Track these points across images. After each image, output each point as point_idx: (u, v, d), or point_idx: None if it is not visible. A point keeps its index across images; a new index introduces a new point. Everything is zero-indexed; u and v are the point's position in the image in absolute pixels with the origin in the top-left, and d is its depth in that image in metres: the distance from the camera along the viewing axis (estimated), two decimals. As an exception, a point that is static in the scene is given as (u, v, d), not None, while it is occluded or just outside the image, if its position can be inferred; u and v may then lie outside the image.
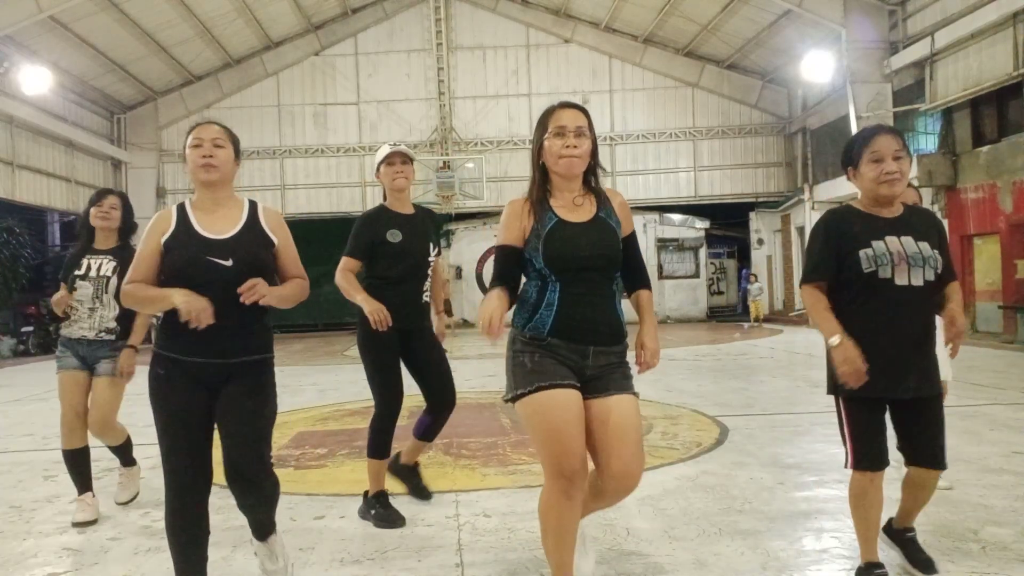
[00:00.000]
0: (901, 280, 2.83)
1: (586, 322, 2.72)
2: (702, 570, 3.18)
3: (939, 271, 2.88)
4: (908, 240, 2.86)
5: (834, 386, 2.93)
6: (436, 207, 19.54)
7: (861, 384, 2.78)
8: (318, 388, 9.79)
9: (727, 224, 25.43)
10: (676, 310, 24.10)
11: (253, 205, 2.95)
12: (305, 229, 18.86)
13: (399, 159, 4.17)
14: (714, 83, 22.72)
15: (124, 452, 4.53)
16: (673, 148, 22.96)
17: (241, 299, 2.70)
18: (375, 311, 3.84)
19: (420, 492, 4.36)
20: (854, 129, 16.66)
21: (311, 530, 3.89)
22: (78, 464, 4.22)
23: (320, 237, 19.24)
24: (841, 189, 18.48)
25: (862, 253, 2.83)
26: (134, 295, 2.79)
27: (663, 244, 24.29)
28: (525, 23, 22.83)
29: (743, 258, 25.11)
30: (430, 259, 4.16)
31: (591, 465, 2.80)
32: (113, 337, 4.26)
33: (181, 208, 2.89)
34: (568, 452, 2.63)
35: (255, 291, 2.70)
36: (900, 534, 3.19)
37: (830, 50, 17.77)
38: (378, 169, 4.21)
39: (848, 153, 2.99)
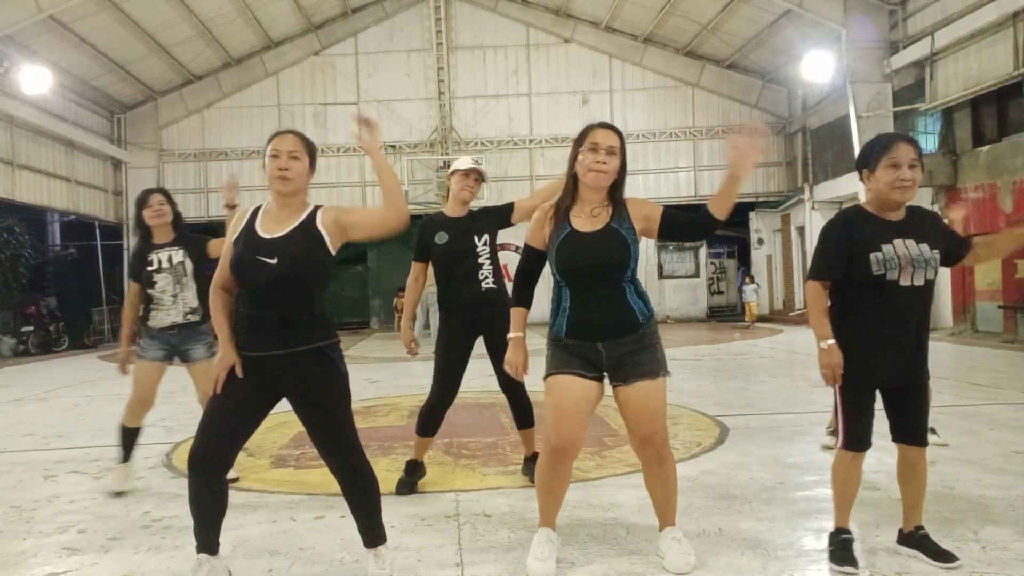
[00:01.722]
0: (905, 282, 3.04)
1: (593, 323, 3.12)
2: (702, 570, 3.18)
3: (938, 269, 3.09)
4: (912, 243, 3.05)
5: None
6: (436, 207, 19.53)
7: (859, 375, 3.08)
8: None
9: (727, 224, 25.19)
10: (676, 310, 24.10)
11: (314, 209, 3.08)
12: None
13: (474, 175, 4.58)
14: (714, 83, 22.72)
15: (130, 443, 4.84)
16: (673, 148, 22.96)
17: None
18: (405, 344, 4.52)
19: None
20: (854, 129, 16.69)
21: (311, 530, 3.89)
22: (129, 440, 4.77)
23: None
24: (841, 189, 18.48)
25: (872, 256, 3.03)
26: (212, 304, 3.10)
27: (663, 244, 24.27)
28: (525, 23, 22.83)
29: (743, 258, 25.10)
30: (478, 250, 4.43)
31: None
32: (198, 318, 4.68)
33: (256, 209, 3.12)
34: (559, 429, 3.13)
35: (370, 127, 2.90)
36: (913, 535, 3.26)
37: (830, 50, 17.77)
38: (452, 174, 4.59)
39: (866, 155, 3.15)
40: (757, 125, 2.97)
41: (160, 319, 4.66)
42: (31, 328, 19.03)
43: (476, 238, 4.43)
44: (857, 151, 16.65)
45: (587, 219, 3.16)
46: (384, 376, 10.28)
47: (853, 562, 3.12)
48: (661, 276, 24.02)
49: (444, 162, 21.56)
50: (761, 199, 23.32)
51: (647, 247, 23.65)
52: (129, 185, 22.17)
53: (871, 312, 3.06)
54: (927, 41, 15.39)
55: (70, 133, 19.37)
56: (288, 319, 2.95)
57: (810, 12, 17.09)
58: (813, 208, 20.30)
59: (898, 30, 16.73)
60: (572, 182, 3.21)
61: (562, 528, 3.60)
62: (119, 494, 4.64)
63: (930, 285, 3.08)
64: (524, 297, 3.35)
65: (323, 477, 5.01)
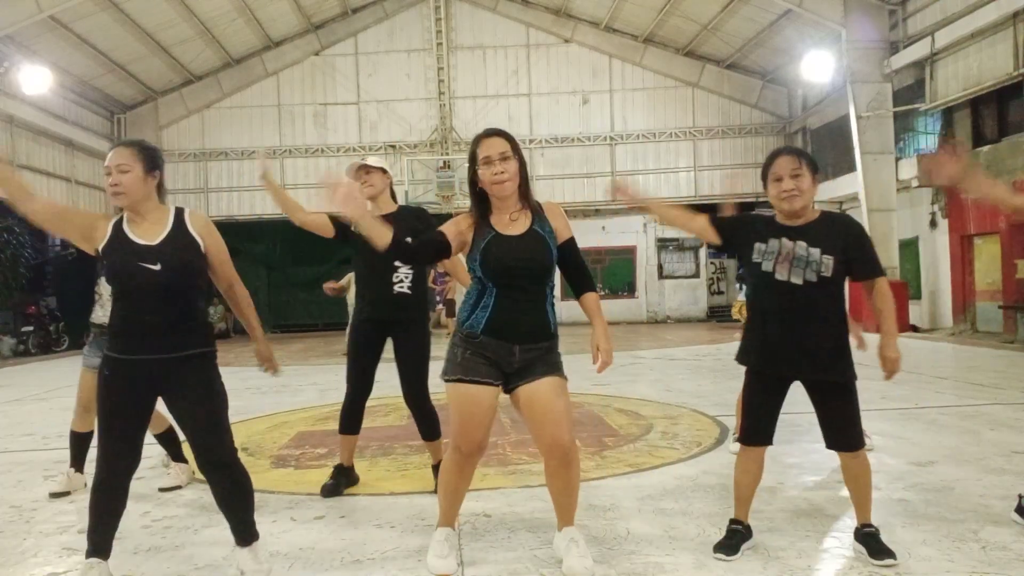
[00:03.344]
0: (781, 276, 3.22)
1: (514, 324, 3.14)
2: (702, 570, 3.18)
3: (824, 273, 3.17)
4: (801, 244, 3.21)
5: (740, 355, 3.42)
6: (436, 207, 19.53)
7: (752, 361, 3.33)
8: (318, 388, 9.77)
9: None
10: (676, 310, 24.10)
11: (179, 211, 3.17)
12: (305, 229, 18.86)
13: (362, 171, 4.48)
14: (714, 83, 22.71)
15: (170, 443, 4.89)
16: (673, 148, 22.96)
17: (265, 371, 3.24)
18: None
19: None
20: (855, 129, 16.69)
21: (311, 530, 3.89)
22: (82, 445, 4.81)
23: (320, 237, 19.23)
24: (841, 189, 18.47)
25: (756, 245, 3.29)
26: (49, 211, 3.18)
27: (663, 244, 24.28)
28: (525, 23, 22.82)
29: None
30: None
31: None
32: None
33: (119, 219, 3.14)
34: (468, 436, 3.18)
35: (271, 367, 3.24)
36: (859, 531, 3.31)
37: (830, 50, 17.76)
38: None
39: (762, 172, 3.38)
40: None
41: (98, 315, 4.68)
42: (31, 328, 19.03)
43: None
44: (858, 151, 16.69)
45: (508, 224, 3.20)
46: (384, 376, 10.25)
47: (731, 551, 3.27)
48: (661, 276, 24.02)
49: (444, 162, 21.57)
50: (761, 199, 23.27)
51: (647, 247, 23.70)
52: (129, 185, 22.14)
53: (760, 301, 3.32)
54: (927, 41, 15.39)
55: (70, 133, 19.37)
56: (171, 324, 3.01)
57: (810, 12, 17.08)
58: (813, 208, 20.28)
59: (898, 30, 16.72)
60: (478, 197, 3.24)
61: (552, 531, 3.59)
62: (60, 495, 4.66)
63: (810, 287, 3.17)
64: (416, 244, 3.44)
65: (323, 477, 5.01)
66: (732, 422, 6.34)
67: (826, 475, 4.59)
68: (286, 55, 22.70)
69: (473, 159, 3.21)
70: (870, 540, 3.24)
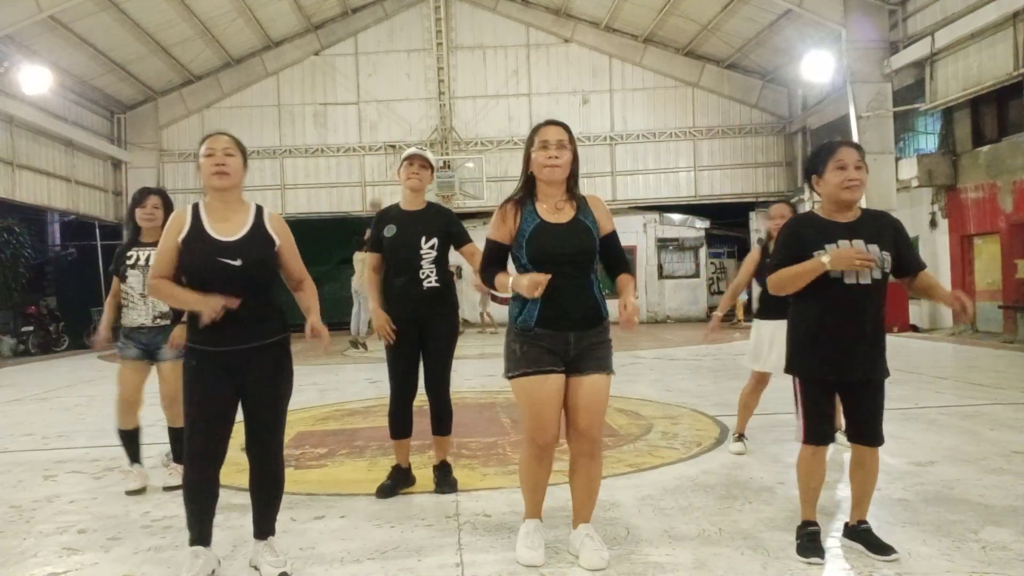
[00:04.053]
0: (850, 279, 3.16)
1: (565, 312, 3.22)
2: (702, 570, 3.18)
3: (887, 270, 3.20)
4: (859, 243, 3.17)
5: (792, 366, 3.35)
6: (436, 207, 19.50)
7: (812, 370, 3.27)
8: (318, 388, 9.78)
9: (727, 224, 25.39)
10: (676, 310, 24.08)
11: (259, 209, 3.29)
12: (305, 229, 18.83)
13: (418, 162, 4.51)
14: (714, 83, 22.70)
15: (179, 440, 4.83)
16: (673, 148, 22.94)
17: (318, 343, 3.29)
18: (379, 327, 4.40)
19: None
20: (854, 129, 16.68)
21: (311, 530, 3.89)
22: (130, 441, 4.81)
23: (320, 237, 19.21)
24: (841, 189, 18.46)
25: (817, 255, 3.17)
26: (159, 291, 3.21)
27: (663, 244, 24.26)
28: (525, 23, 22.81)
29: (743, 258, 25.07)
30: (422, 251, 4.38)
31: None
32: (168, 322, 4.63)
33: (195, 209, 3.25)
34: (542, 427, 3.25)
35: (321, 339, 3.24)
36: (855, 528, 3.36)
37: (830, 50, 17.75)
38: (400, 168, 4.57)
39: (813, 162, 3.34)
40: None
41: (131, 318, 4.69)
42: (31, 328, 19.02)
43: (423, 239, 4.38)
44: (857, 151, 16.67)
45: (553, 212, 3.30)
46: (384, 376, 10.23)
47: (818, 552, 3.22)
48: (661, 276, 24.00)
49: (444, 162, 21.56)
50: (761, 199, 23.27)
51: (647, 247, 23.70)
52: (129, 185, 22.11)
53: (821, 309, 3.20)
54: (927, 41, 15.38)
55: (70, 133, 19.36)
56: (251, 315, 3.12)
57: (810, 12, 17.07)
58: (813, 208, 20.27)
59: (898, 30, 16.72)
60: (528, 181, 3.36)
61: (562, 528, 3.60)
62: (136, 492, 4.68)
63: (878, 284, 3.19)
64: (498, 270, 3.43)
65: (323, 477, 5.02)
66: (732, 422, 6.34)
67: (826, 475, 4.58)
68: (286, 55, 22.69)
69: (531, 142, 3.36)
70: (869, 536, 3.28)
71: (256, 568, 3.26)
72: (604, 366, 3.29)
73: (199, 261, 3.13)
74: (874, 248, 3.16)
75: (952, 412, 6.54)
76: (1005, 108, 14.51)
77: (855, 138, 16.70)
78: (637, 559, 3.31)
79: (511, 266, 3.44)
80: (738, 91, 22.72)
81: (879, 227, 3.26)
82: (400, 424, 4.52)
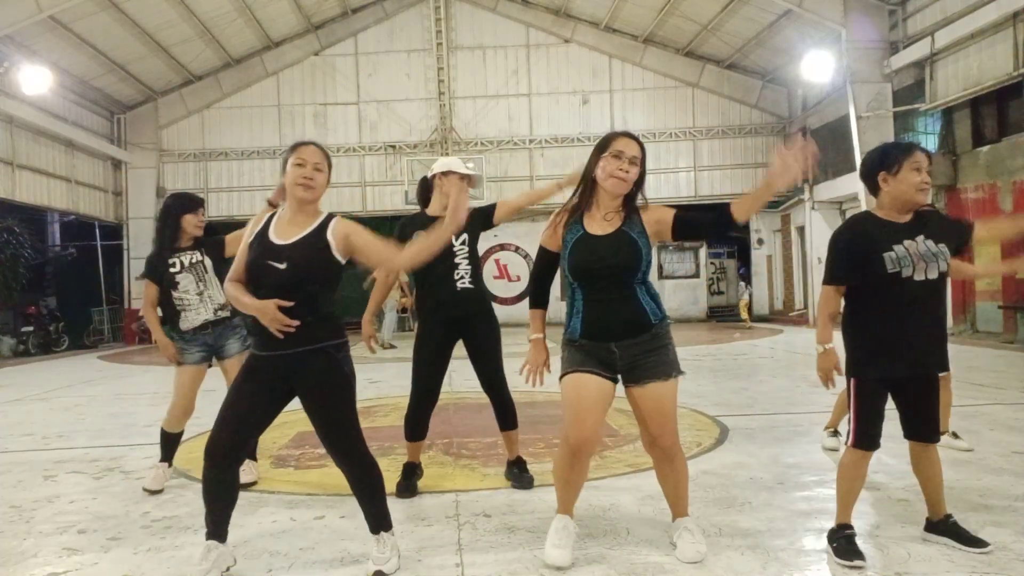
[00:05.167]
0: (919, 276, 3.20)
1: (605, 324, 3.23)
2: (702, 570, 3.18)
3: (949, 263, 3.25)
4: (921, 240, 3.23)
5: (857, 368, 3.29)
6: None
7: (880, 370, 3.23)
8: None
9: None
10: (676, 310, 24.07)
11: (328, 217, 3.28)
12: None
13: (466, 180, 4.42)
14: (714, 83, 22.71)
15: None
16: (673, 148, 22.94)
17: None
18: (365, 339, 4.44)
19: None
20: (854, 129, 16.68)
21: (311, 530, 3.89)
22: (171, 444, 4.82)
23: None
24: (841, 189, 18.47)
25: (886, 256, 3.20)
26: (229, 293, 3.25)
27: (663, 244, 24.25)
28: (525, 23, 22.81)
29: (743, 258, 25.09)
30: (454, 249, 4.35)
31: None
32: (228, 314, 4.68)
33: (272, 215, 3.33)
34: (577, 424, 3.21)
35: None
36: (942, 523, 3.39)
37: (830, 50, 17.75)
38: (442, 174, 4.47)
39: (884, 160, 3.31)
40: (811, 147, 3.05)
41: (191, 320, 4.66)
42: (31, 328, 19.02)
43: (454, 238, 4.34)
44: (858, 151, 16.66)
45: (600, 223, 3.27)
46: (384, 376, 10.26)
47: (859, 555, 3.17)
48: (661, 276, 24.00)
49: (444, 162, 21.51)
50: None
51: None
52: (129, 185, 22.15)
53: (890, 308, 3.21)
54: (927, 41, 15.39)
55: (70, 133, 19.37)
56: (299, 319, 3.08)
57: (810, 12, 17.08)
58: (813, 208, 20.29)
59: (898, 30, 16.72)
60: (589, 186, 3.31)
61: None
62: (153, 493, 4.67)
63: (943, 277, 3.25)
64: (540, 299, 3.50)
65: (323, 477, 5.01)
66: (732, 422, 6.35)
67: (826, 475, 4.59)
68: (286, 55, 22.69)
69: (602, 148, 3.26)
70: (958, 529, 3.33)
71: None
72: (661, 372, 3.24)
73: (251, 262, 3.18)
74: (931, 244, 3.21)
75: (952, 412, 6.53)
76: (1005, 108, 14.50)
77: (855, 138, 16.72)
78: (637, 559, 3.31)
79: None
80: (738, 91, 22.73)
81: (930, 223, 3.31)
82: (418, 428, 4.51)
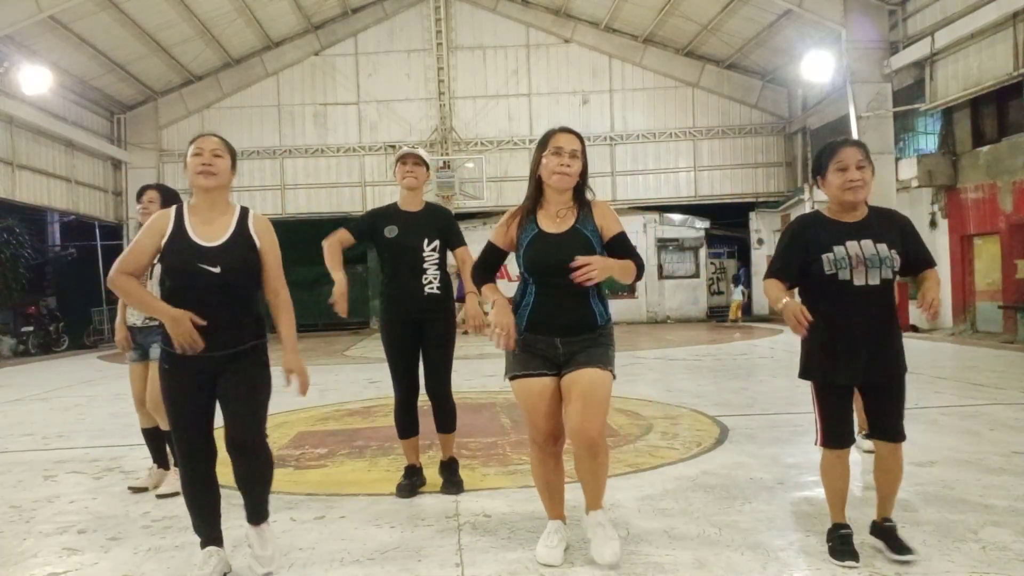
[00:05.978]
0: (859, 281, 3.13)
1: (553, 319, 3.26)
2: (702, 570, 3.18)
3: (896, 270, 3.16)
4: (867, 243, 3.15)
5: (806, 372, 3.30)
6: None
7: (823, 375, 3.21)
8: (318, 388, 9.77)
9: (727, 224, 25.41)
10: (676, 310, 24.09)
11: (244, 211, 3.25)
12: (305, 229, 18.88)
13: (411, 160, 4.47)
14: (714, 83, 22.71)
15: (164, 445, 4.83)
16: (673, 148, 22.95)
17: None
18: (339, 295, 4.29)
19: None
20: (854, 129, 16.68)
21: (311, 530, 3.89)
22: (150, 440, 4.82)
23: (319, 237, 19.11)
24: (841, 189, 18.46)
25: (824, 257, 3.15)
26: (119, 287, 3.11)
27: (663, 244, 24.26)
28: (525, 23, 22.81)
29: (743, 258, 25.09)
30: (424, 254, 4.38)
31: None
32: (157, 323, 4.49)
33: (179, 210, 3.19)
34: (535, 425, 3.34)
35: (299, 380, 3.22)
36: (879, 525, 3.33)
37: (830, 50, 17.76)
38: (395, 167, 4.54)
39: (817, 163, 3.30)
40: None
41: (131, 319, 4.71)
42: (31, 328, 19.03)
43: (425, 240, 4.38)
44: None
45: (552, 221, 3.31)
46: (384, 376, 10.24)
47: (853, 555, 3.16)
48: (661, 276, 24.00)
49: (444, 162, 21.56)
50: (761, 199, 23.31)
51: (647, 248, 23.68)
52: (129, 185, 22.13)
53: (829, 313, 3.14)
54: (927, 41, 15.38)
55: (70, 133, 19.37)
56: (228, 322, 3.10)
57: (810, 12, 17.08)
58: (813, 208, 20.27)
59: (898, 30, 16.72)
60: (535, 186, 3.36)
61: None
62: (139, 490, 4.72)
63: (887, 284, 3.15)
64: (487, 277, 3.52)
65: (323, 477, 5.02)
66: (732, 422, 6.35)
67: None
68: (286, 55, 22.70)
69: (543, 146, 3.31)
70: (890, 535, 3.25)
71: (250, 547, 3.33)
72: (597, 361, 3.22)
73: (180, 266, 3.10)
74: (882, 247, 3.13)
75: (952, 412, 6.53)
76: (1005, 108, 14.51)
77: (855, 138, 16.70)
78: (637, 559, 3.31)
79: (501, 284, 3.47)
80: (738, 91, 22.73)
81: (886, 226, 3.22)
82: (406, 423, 4.52)
